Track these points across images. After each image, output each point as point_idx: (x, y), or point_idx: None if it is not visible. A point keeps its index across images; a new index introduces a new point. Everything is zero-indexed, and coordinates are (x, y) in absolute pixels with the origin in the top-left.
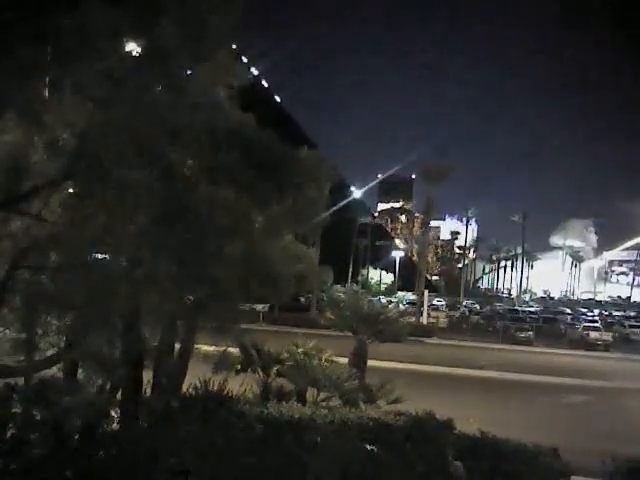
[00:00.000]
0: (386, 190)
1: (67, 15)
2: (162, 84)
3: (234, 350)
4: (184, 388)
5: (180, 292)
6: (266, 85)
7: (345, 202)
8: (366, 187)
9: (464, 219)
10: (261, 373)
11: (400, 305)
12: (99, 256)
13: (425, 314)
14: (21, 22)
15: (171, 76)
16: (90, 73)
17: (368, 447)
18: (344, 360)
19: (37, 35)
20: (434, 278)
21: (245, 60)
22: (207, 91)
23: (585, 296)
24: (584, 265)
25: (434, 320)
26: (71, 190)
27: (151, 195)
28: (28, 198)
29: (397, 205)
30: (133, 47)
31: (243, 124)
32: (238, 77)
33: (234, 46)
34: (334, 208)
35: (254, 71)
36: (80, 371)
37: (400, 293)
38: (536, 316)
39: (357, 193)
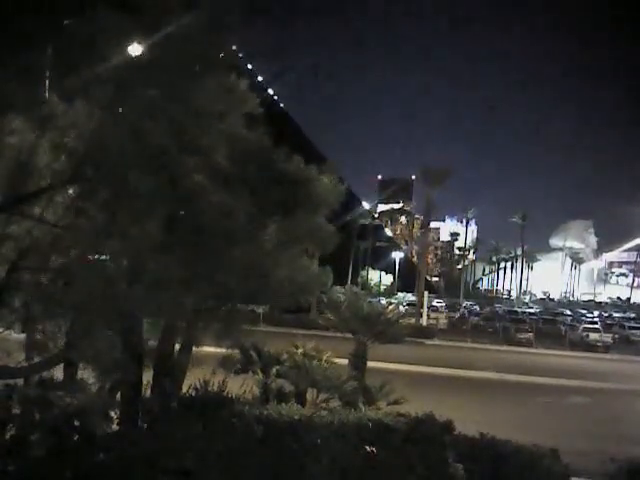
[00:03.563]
0: (386, 191)
1: (74, 17)
2: (168, 91)
3: (234, 351)
4: (184, 389)
5: (183, 294)
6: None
7: (347, 203)
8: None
9: (464, 220)
10: (261, 374)
11: (400, 306)
12: (101, 257)
13: (425, 315)
14: (27, 23)
15: (178, 84)
16: (96, 76)
17: (368, 448)
18: (344, 361)
19: (43, 36)
20: (434, 279)
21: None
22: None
23: (585, 297)
24: (584, 266)
25: (434, 321)
26: (73, 192)
27: (157, 199)
28: (31, 200)
29: (397, 206)
30: (140, 51)
31: (261, 140)
32: (253, 106)
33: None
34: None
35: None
36: (80, 372)
37: (400, 294)
38: (536, 317)
39: (358, 192)
